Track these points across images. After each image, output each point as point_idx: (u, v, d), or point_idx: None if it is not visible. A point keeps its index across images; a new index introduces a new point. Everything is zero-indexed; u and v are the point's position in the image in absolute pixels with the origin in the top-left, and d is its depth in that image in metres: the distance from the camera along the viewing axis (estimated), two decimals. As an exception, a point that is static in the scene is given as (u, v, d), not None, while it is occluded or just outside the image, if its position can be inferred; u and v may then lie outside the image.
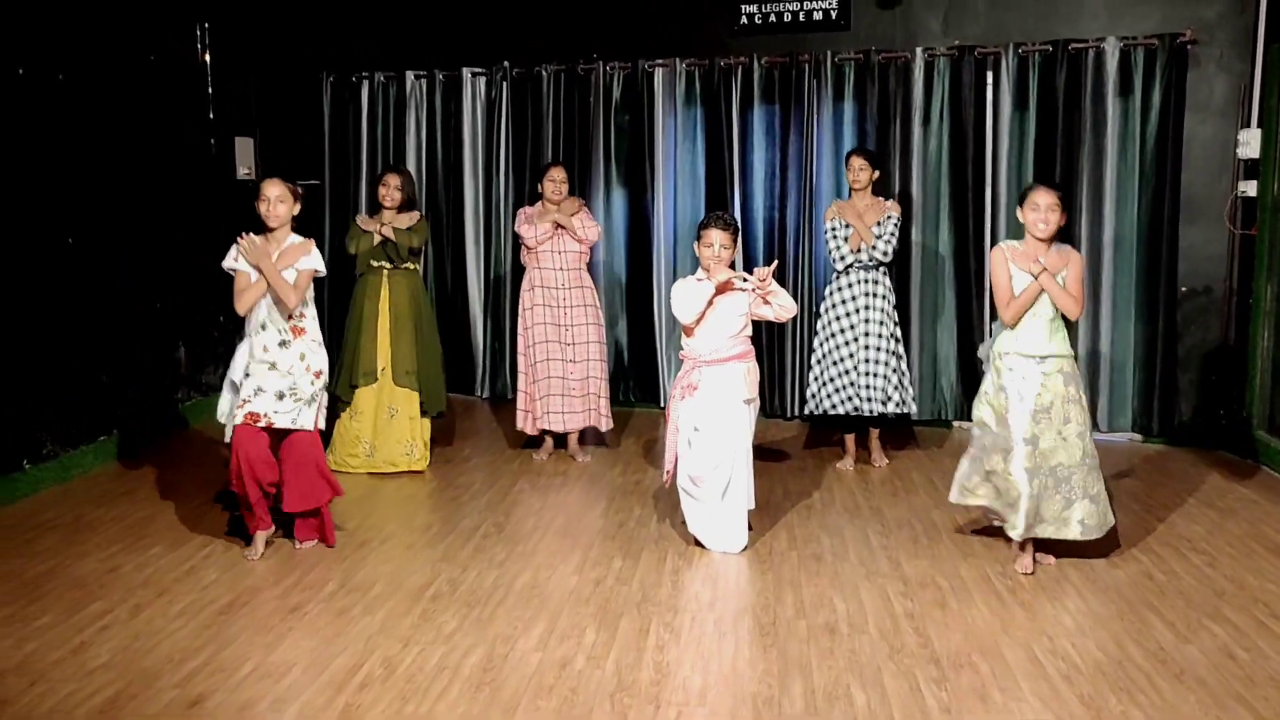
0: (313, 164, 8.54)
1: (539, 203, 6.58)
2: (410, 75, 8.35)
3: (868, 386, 6.28)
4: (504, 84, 8.17)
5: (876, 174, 6.39)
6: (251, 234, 4.81)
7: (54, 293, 6.09)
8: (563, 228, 6.44)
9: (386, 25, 8.41)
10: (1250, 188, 6.83)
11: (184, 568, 4.78)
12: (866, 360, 6.27)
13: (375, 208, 6.40)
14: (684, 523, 5.17)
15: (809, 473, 6.42)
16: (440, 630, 4.13)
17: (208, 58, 7.69)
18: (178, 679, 3.72)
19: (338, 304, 8.52)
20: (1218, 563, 4.90)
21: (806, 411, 6.63)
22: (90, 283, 6.39)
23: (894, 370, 6.30)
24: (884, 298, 6.31)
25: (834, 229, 6.34)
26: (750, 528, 5.17)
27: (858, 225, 6.21)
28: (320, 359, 4.95)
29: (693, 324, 5.01)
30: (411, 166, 8.36)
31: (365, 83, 8.45)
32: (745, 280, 4.99)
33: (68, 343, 6.22)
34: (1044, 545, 4.85)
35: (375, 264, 6.31)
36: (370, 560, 4.90)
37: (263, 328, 4.85)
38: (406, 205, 6.32)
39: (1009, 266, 4.74)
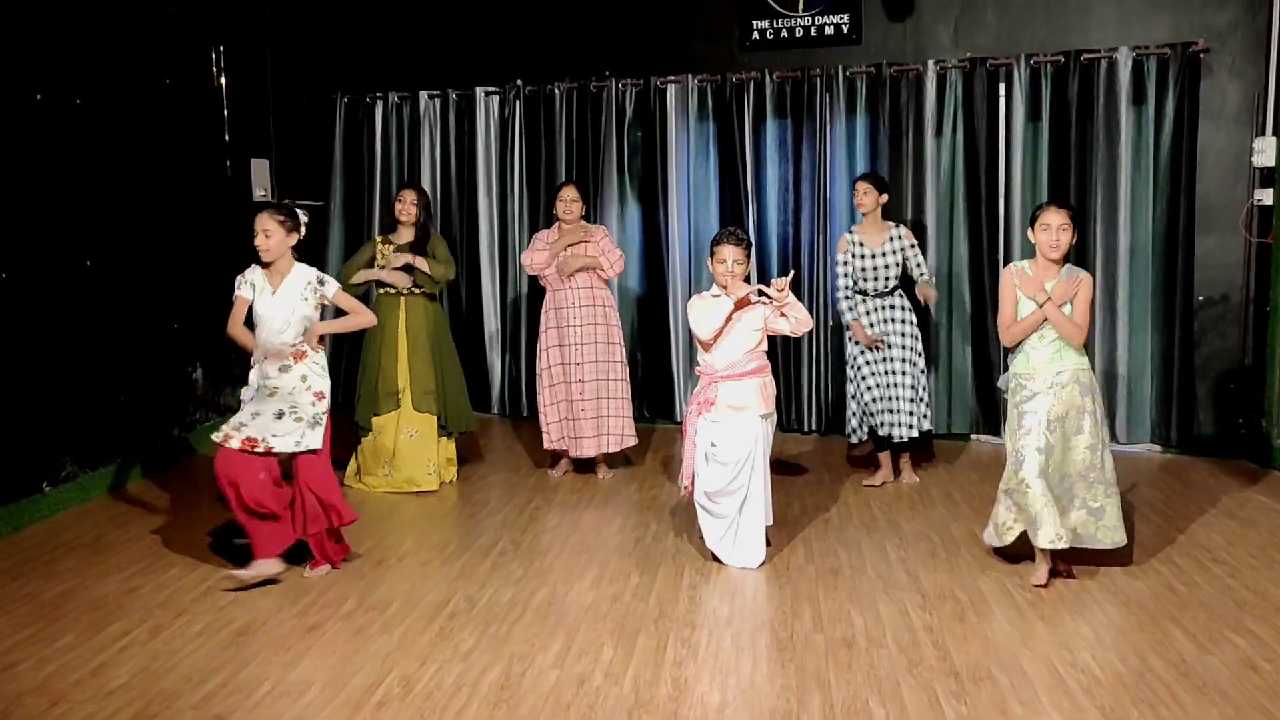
0: (328, 185, 8.59)
1: (555, 224, 6.59)
2: (424, 95, 8.40)
3: (894, 411, 6.26)
4: (517, 102, 8.21)
5: (884, 198, 6.35)
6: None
7: (73, 315, 6.14)
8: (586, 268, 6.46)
9: (400, 46, 8.47)
10: (1266, 195, 6.80)
11: (202, 588, 4.79)
12: (890, 385, 6.25)
13: (389, 226, 6.43)
14: (701, 538, 5.16)
15: (826, 487, 6.41)
16: (458, 648, 4.14)
17: (223, 80, 7.74)
18: (196, 699, 3.73)
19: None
20: (1239, 573, 4.86)
21: (855, 440, 6.56)
22: (108, 305, 6.43)
23: (916, 391, 6.27)
24: (903, 320, 6.30)
25: (845, 261, 6.34)
26: (769, 543, 5.16)
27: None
28: (323, 382, 4.92)
29: (711, 340, 5.01)
30: (426, 185, 8.40)
31: (379, 103, 8.51)
32: (762, 294, 4.99)
33: (86, 364, 6.26)
34: (1063, 556, 4.83)
35: (390, 290, 6.33)
36: (387, 578, 4.91)
37: (266, 356, 4.86)
38: (422, 223, 6.34)
39: (1016, 291, 4.76)
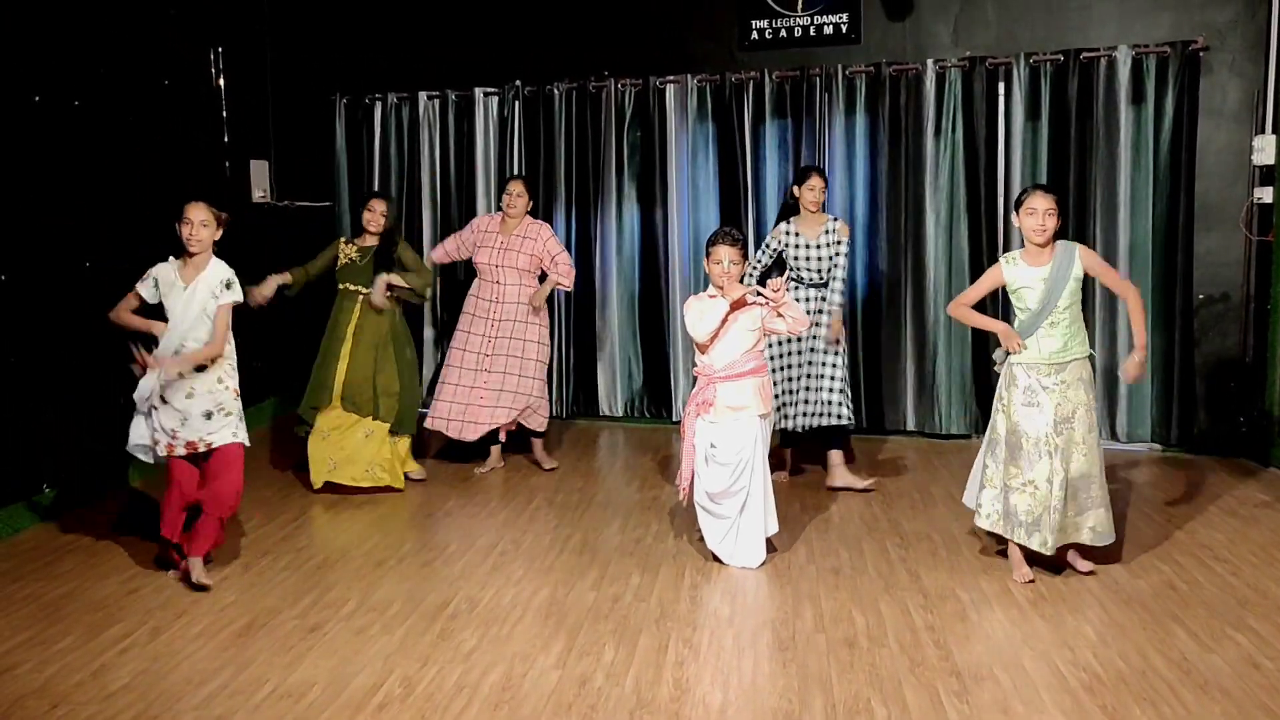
0: (326, 185, 8.60)
1: (500, 215, 6.74)
2: (423, 95, 8.39)
3: (802, 404, 6.23)
4: (516, 102, 8.21)
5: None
6: (148, 356, 4.73)
7: (72, 316, 6.13)
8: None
9: (399, 47, 8.47)
10: (1266, 194, 6.80)
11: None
12: (806, 376, 6.24)
13: (358, 230, 6.47)
14: (701, 538, 5.16)
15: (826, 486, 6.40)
16: (459, 649, 4.13)
17: (222, 81, 7.74)
18: (197, 701, 3.72)
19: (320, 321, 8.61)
20: (1240, 571, 4.86)
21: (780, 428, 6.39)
22: (107, 306, 6.40)
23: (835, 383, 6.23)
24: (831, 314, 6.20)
25: (770, 246, 6.31)
26: (774, 549, 5.15)
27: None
28: (235, 379, 4.94)
29: (707, 342, 5.00)
30: (425, 186, 8.42)
31: (378, 104, 8.51)
32: (759, 294, 4.98)
33: (86, 366, 6.25)
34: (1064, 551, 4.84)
35: (351, 286, 6.34)
36: (388, 579, 4.90)
37: (175, 354, 4.79)
38: (387, 231, 6.33)
39: (992, 286, 4.90)
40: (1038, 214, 4.65)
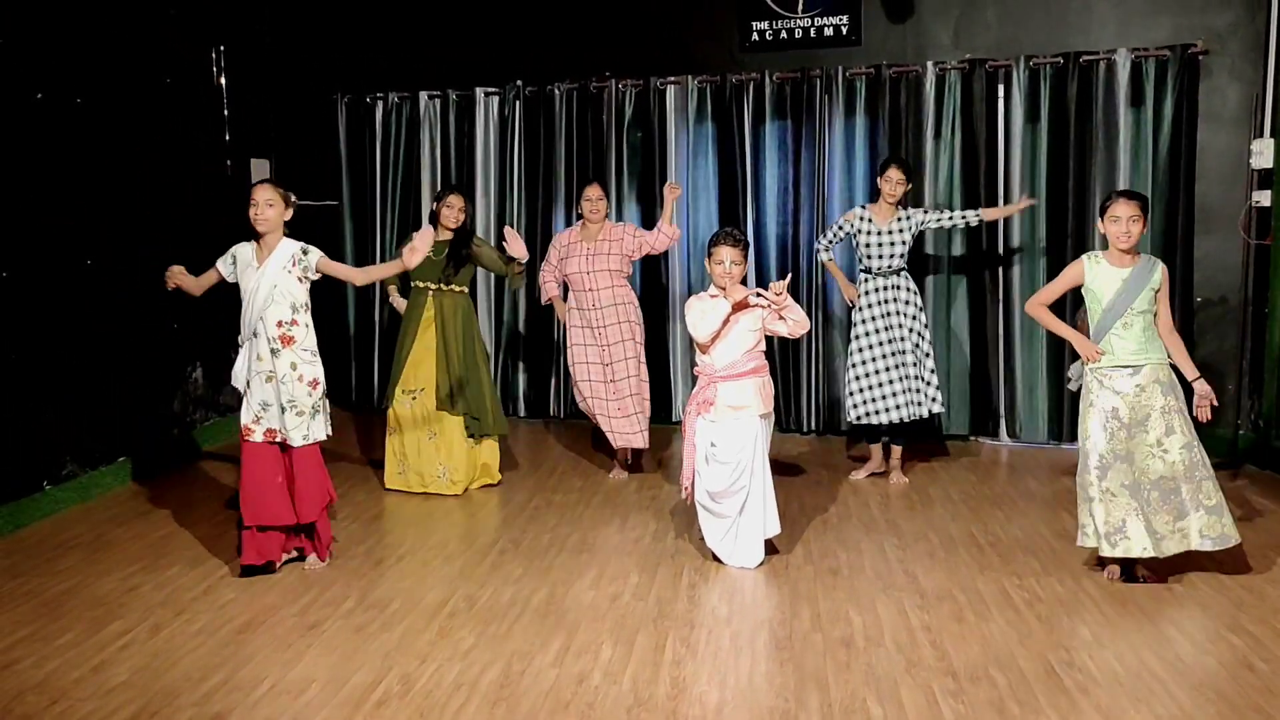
0: (328, 184, 8.61)
1: (580, 223, 6.65)
2: (424, 95, 8.41)
3: (887, 396, 6.31)
4: (517, 102, 8.22)
5: (909, 186, 6.37)
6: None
7: (73, 314, 6.15)
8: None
9: (400, 46, 8.48)
10: (1264, 198, 6.81)
11: (202, 586, 4.80)
12: (888, 369, 6.31)
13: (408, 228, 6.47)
14: (701, 538, 5.18)
15: (825, 486, 6.42)
16: (457, 647, 4.15)
17: (223, 80, 7.75)
18: (197, 697, 3.74)
19: (363, 318, 8.60)
20: (1236, 573, 4.87)
21: (854, 420, 6.53)
22: (108, 304, 6.44)
23: (920, 377, 6.33)
24: (907, 302, 6.34)
25: (843, 226, 6.47)
26: (776, 550, 5.16)
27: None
28: (314, 369, 4.89)
29: (708, 342, 5.02)
30: (425, 185, 8.43)
31: (379, 103, 8.52)
32: (760, 296, 4.99)
33: (86, 364, 6.27)
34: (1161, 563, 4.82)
35: (421, 283, 6.28)
36: (388, 577, 4.92)
37: (254, 335, 4.85)
38: (463, 228, 6.31)
39: (1073, 284, 4.87)
40: (1121, 221, 4.66)
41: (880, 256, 6.30)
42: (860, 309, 6.39)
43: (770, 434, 5.18)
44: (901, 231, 6.27)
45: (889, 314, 6.32)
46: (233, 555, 5.17)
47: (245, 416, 4.90)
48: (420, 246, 4.81)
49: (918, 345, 6.35)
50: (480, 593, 4.72)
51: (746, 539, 5.01)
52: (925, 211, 6.39)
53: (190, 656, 4.07)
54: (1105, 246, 4.82)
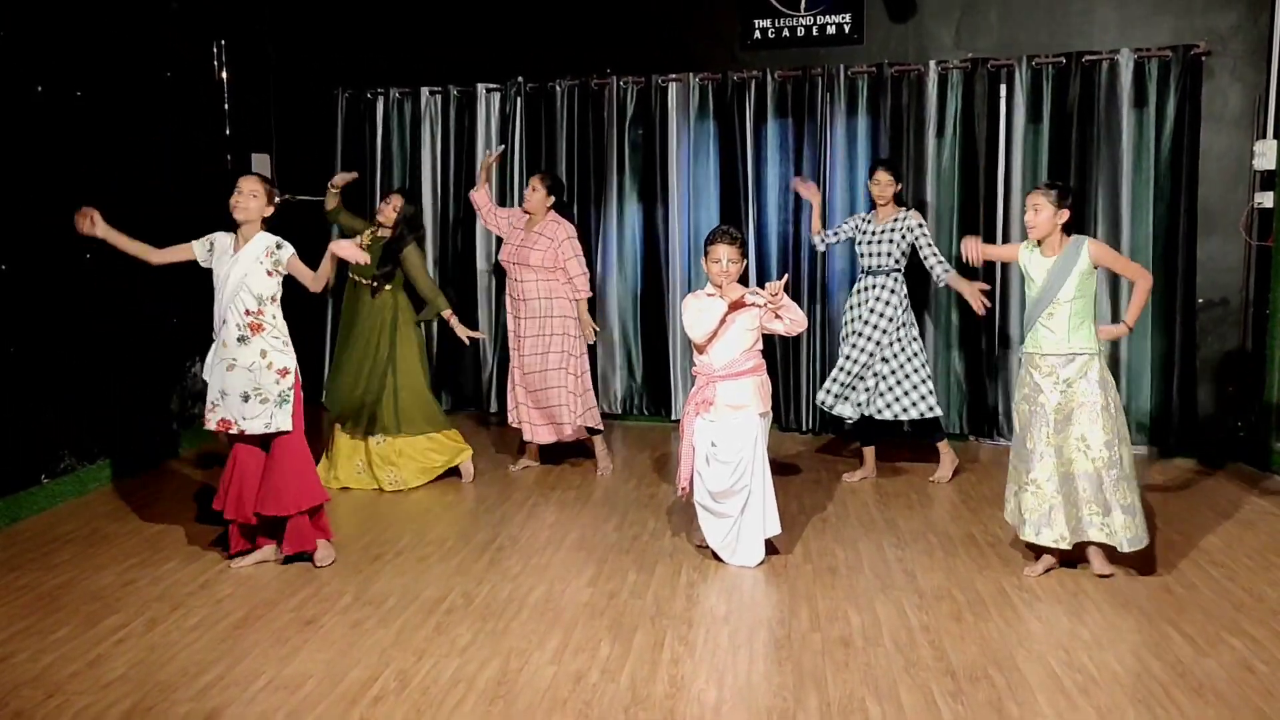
0: (328, 180, 8.57)
1: (519, 208, 6.68)
2: (425, 91, 8.40)
3: (855, 390, 6.40)
4: (518, 99, 8.21)
5: (899, 186, 6.40)
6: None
7: (72, 308, 6.13)
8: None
9: (401, 42, 8.48)
10: (1266, 199, 6.80)
11: (199, 581, 4.79)
12: (862, 364, 6.34)
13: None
14: (698, 545, 5.17)
15: (824, 486, 6.41)
16: (454, 643, 4.14)
17: (224, 74, 7.73)
18: (193, 692, 3.73)
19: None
20: (1236, 575, 4.86)
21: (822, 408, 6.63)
22: (107, 298, 6.43)
23: (896, 377, 6.33)
24: (886, 302, 6.32)
25: (845, 224, 6.55)
26: (777, 550, 5.15)
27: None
28: (285, 358, 4.85)
29: (704, 341, 5.00)
30: (426, 181, 8.43)
31: (380, 98, 8.51)
32: (756, 295, 4.97)
33: (85, 358, 6.26)
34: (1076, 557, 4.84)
35: (355, 277, 6.35)
36: (385, 573, 4.91)
37: (223, 322, 4.83)
38: (400, 232, 6.31)
39: (1017, 255, 4.96)
40: (1028, 209, 4.78)
41: (870, 255, 6.34)
42: (849, 305, 6.47)
43: (768, 432, 5.17)
44: (892, 233, 6.26)
45: (872, 312, 6.32)
46: (230, 550, 5.17)
47: (206, 407, 4.90)
48: (347, 246, 4.81)
49: (895, 348, 6.32)
50: (478, 589, 4.71)
51: (748, 538, 5.00)
52: (924, 231, 6.28)
53: (186, 651, 4.06)
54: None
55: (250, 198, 4.82)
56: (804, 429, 7.84)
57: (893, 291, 6.30)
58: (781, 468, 6.73)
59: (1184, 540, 5.36)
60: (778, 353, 7.72)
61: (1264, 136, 6.86)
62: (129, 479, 6.49)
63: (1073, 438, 4.68)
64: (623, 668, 3.92)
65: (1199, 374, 7.14)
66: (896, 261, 6.30)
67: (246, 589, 4.70)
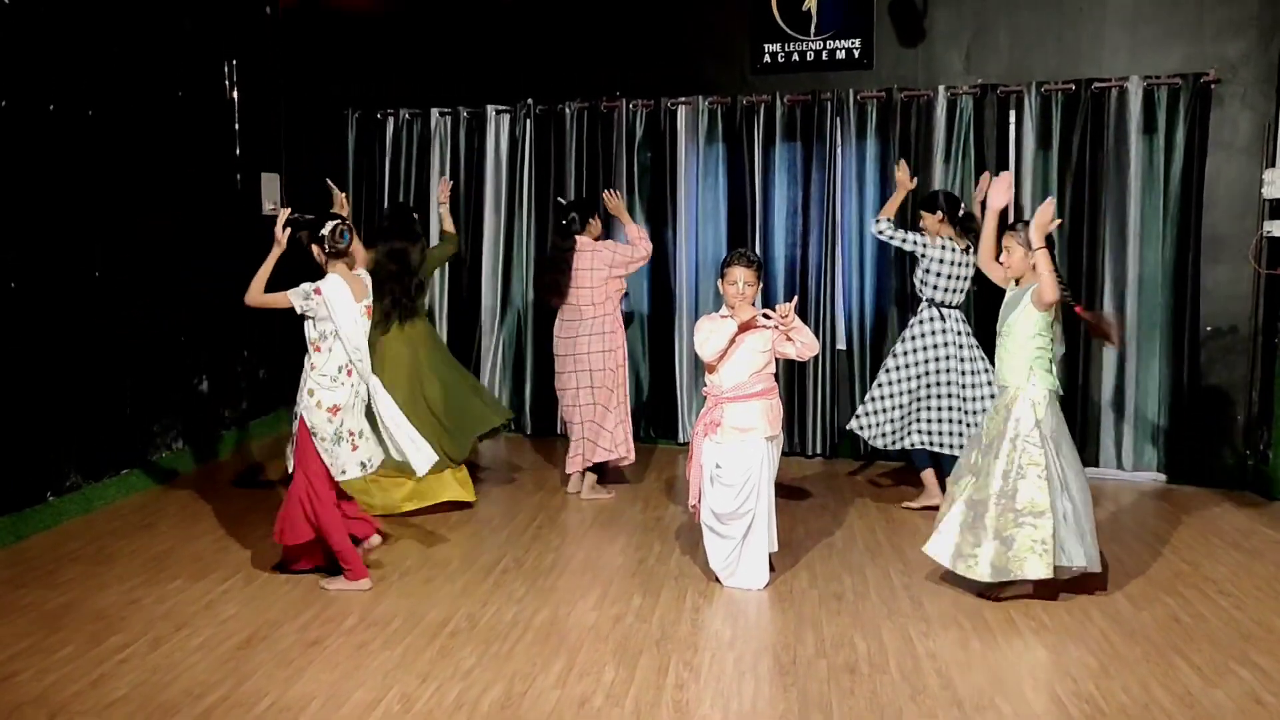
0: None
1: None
2: (435, 112, 8.43)
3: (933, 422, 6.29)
4: (528, 121, 8.24)
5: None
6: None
7: (80, 326, 6.15)
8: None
9: (412, 63, 8.51)
10: (1275, 227, 6.79)
11: (204, 601, 4.79)
12: (902, 394, 6.32)
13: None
14: (706, 561, 5.15)
15: (830, 511, 6.39)
16: (459, 666, 4.12)
17: (235, 95, 7.78)
18: (196, 713, 3.72)
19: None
20: (1244, 605, 4.83)
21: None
22: (115, 316, 6.44)
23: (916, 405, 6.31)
24: (969, 334, 6.34)
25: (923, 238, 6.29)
26: (772, 568, 5.14)
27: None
28: (331, 395, 4.86)
29: (715, 362, 5.00)
30: (434, 202, 8.42)
31: (390, 119, 8.54)
32: (768, 317, 4.97)
33: (93, 375, 6.27)
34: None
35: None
36: (390, 594, 4.89)
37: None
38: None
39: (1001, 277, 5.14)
40: (1003, 251, 4.96)
41: (957, 290, 6.27)
42: (934, 337, 6.27)
43: (778, 457, 5.16)
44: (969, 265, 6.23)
45: (961, 348, 6.25)
46: (234, 569, 5.17)
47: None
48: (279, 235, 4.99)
49: (923, 379, 6.28)
50: (482, 612, 4.69)
51: (750, 561, 4.99)
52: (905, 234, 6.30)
53: (190, 671, 4.05)
54: None
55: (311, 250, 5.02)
56: (810, 453, 7.82)
57: (915, 321, 6.33)
58: (788, 491, 6.70)
59: (1192, 569, 5.33)
60: (785, 376, 7.70)
61: (1273, 165, 6.85)
62: (135, 497, 6.49)
63: (986, 463, 4.81)
64: (627, 692, 3.90)
65: (1206, 401, 7.12)
66: (922, 290, 6.31)
67: (251, 609, 4.69)
